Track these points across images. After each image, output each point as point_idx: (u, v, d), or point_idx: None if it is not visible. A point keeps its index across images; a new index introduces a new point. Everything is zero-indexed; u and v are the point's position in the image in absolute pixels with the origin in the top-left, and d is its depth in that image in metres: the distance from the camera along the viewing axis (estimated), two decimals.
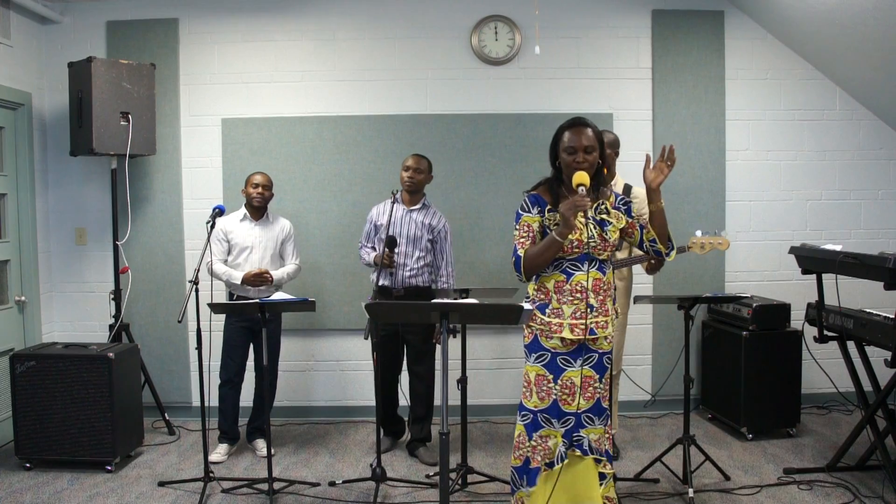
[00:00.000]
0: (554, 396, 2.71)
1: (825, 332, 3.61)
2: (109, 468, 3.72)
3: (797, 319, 4.20)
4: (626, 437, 4.19)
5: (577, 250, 2.69)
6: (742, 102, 4.71)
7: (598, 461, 2.75)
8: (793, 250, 3.71)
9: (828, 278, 3.50)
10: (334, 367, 4.74)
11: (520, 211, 2.75)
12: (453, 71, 4.66)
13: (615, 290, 3.12)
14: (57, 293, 4.70)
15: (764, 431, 4.16)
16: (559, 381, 2.71)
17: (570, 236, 2.63)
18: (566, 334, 2.67)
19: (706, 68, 4.66)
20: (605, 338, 2.74)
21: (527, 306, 2.28)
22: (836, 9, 3.98)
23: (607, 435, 2.80)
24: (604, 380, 2.76)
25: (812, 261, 3.55)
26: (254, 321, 3.92)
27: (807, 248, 3.64)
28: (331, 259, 4.62)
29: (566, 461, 2.71)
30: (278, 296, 3.41)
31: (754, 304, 4.12)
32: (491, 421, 4.61)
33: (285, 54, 4.65)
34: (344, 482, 3.58)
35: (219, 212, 3.68)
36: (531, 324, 2.75)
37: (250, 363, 4.08)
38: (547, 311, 2.70)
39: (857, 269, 3.24)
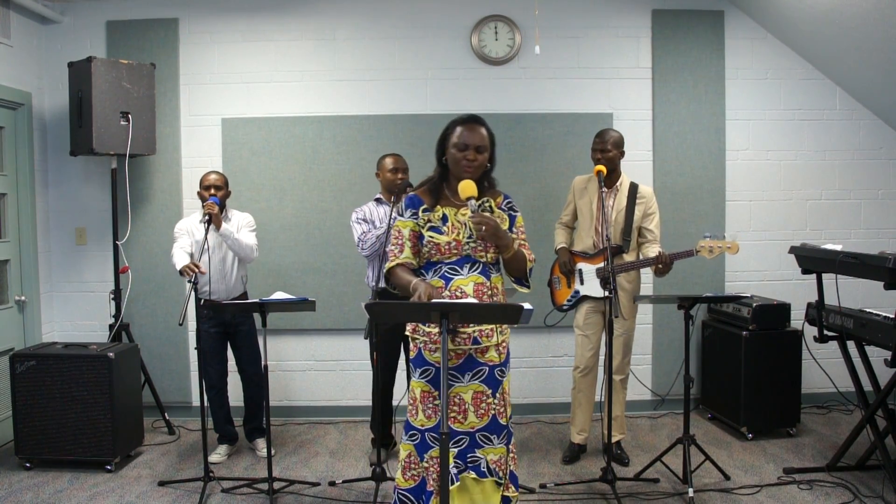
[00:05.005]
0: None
1: (825, 332, 3.61)
2: (109, 468, 3.72)
3: (797, 319, 4.21)
4: (626, 436, 4.18)
5: (455, 252, 2.49)
6: (742, 102, 4.70)
7: (499, 484, 2.51)
8: (793, 250, 3.71)
9: (828, 278, 3.51)
10: (334, 367, 4.74)
11: (395, 214, 2.55)
12: (453, 71, 4.66)
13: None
14: (57, 293, 4.70)
15: (764, 431, 4.16)
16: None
17: (445, 238, 2.48)
18: (448, 345, 2.44)
19: (706, 68, 4.66)
20: (496, 348, 2.52)
21: (527, 306, 2.10)
22: (836, 9, 3.98)
23: (512, 455, 2.59)
24: (499, 395, 2.53)
25: (812, 261, 3.55)
26: (226, 325, 3.92)
27: (807, 247, 3.64)
28: (331, 259, 4.62)
29: (458, 484, 2.48)
30: (278, 295, 3.41)
31: (754, 304, 4.12)
32: None
33: (285, 54, 4.65)
34: (344, 482, 3.58)
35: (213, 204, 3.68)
36: (415, 336, 2.54)
37: (234, 364, 4.06)
38: None
39: (857, 268, 3.24)
